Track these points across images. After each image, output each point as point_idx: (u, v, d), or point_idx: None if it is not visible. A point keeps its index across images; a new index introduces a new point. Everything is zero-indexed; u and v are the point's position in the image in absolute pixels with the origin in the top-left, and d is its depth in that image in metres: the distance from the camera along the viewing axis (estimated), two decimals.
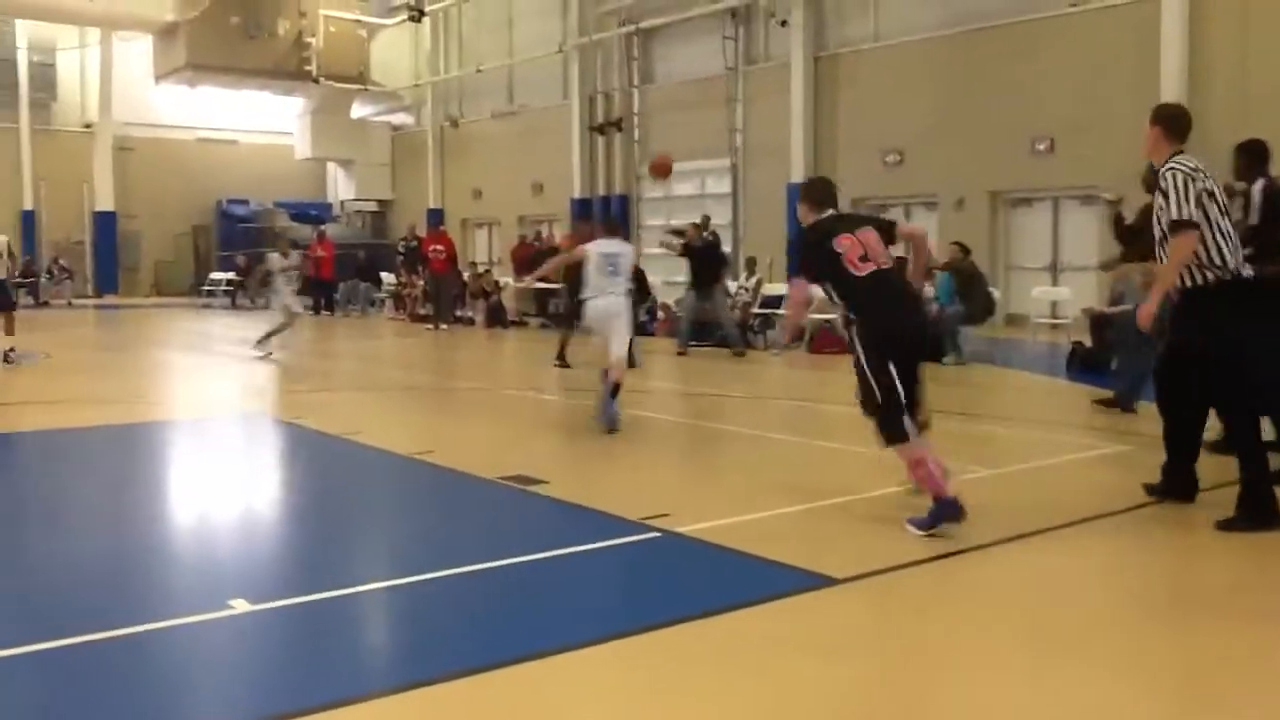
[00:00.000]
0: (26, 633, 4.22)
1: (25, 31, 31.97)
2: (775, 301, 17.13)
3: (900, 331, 5.63)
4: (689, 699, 3.57)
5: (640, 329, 16.78)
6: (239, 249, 30.54)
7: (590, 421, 8.79)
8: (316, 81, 29.80)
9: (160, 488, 7.50)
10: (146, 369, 15.37)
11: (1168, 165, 5.60)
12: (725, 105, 23.21)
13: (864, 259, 5.57)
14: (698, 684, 3.68)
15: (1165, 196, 5.52)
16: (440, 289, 20.54)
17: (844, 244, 5.59)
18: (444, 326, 20.08)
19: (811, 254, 5.80)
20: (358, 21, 30.38)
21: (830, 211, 5.89)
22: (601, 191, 25.67)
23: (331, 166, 34.40)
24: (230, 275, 29.77)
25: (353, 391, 12.14)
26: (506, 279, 22.58)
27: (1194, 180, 5.47)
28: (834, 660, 3.90)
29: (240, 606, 4.44)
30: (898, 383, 5.42)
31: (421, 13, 28.41)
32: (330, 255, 24.09)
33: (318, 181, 35.57)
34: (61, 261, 31.48)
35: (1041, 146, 18.64)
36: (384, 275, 26.12)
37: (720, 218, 23.08)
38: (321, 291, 24.39)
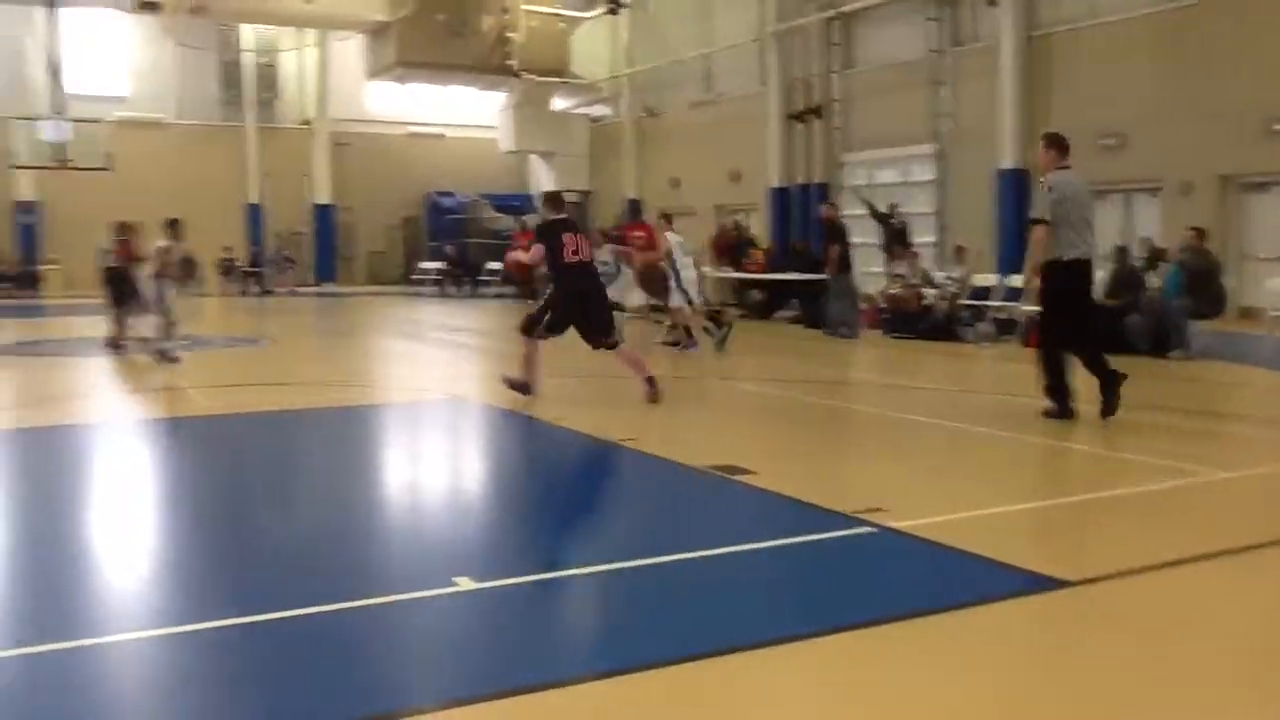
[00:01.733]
0: (258, 603, 4.43)
1: (251, 35, 34.02)
2: (984, 293, 16.56)
3: None
4: (894, 701, 3.44)
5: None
6: (447, 240, 31.68)
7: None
8: (518, 76, 30.53)
9: (380, 468, 7.80)
10: (361, 354, 16.07)
11: None
12: (929, 89, 22.54)
13: None
14: (905, 686, 3.53)
15: None
16: (643, 278, 20.66)
17: None
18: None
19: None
20: (557, 15, 30.96)
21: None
22: (800, 180, 25.36)
23: (533, 158, 35.23)
24: (439, 265, 30.90)
25: (554, 378, 12.34)
26: (705, 268, 22.53)
27: None
28: (1057, 671, 3.68)
29: (464, 584, 4.55)
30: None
31: (620, 4, 28.70)
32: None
33: (520, 173, 36.51)
34: (285, 252, 33.45)
35: (1279, 126, 17.31)
36: None
37: (924, 205, 22.45)
38: (524, 282, 24.92)
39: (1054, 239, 8.10)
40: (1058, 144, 8.49)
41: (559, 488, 6.94)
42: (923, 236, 21.03)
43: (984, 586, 4.51)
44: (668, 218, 15.46)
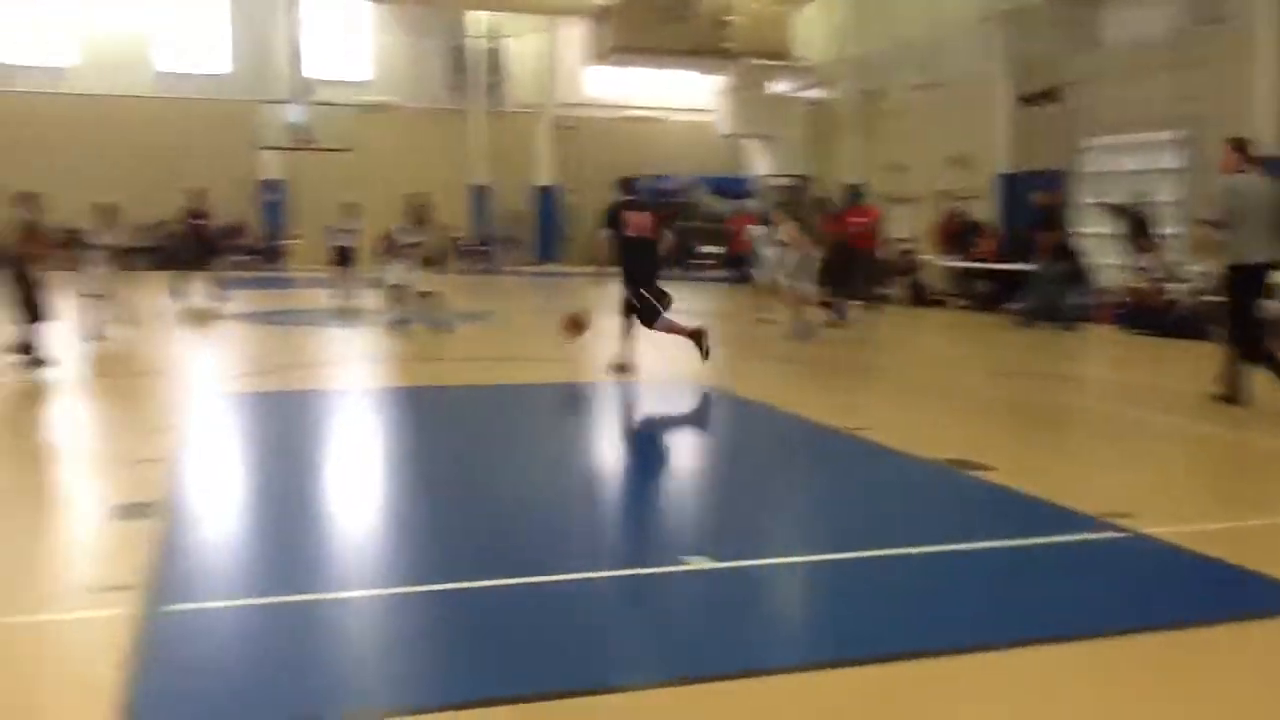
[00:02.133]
0: (496, 568, 4.59)
1: (481, 21, 35.19)
2: None
3: None
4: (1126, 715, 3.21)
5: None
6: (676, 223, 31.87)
7: None
8: (736, 59, 30.41)
9: (607, 444, 7.93)
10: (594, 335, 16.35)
11: None
12: (1176, 71, 21.12)
13: None
14: (1140, 703, 3.33)
15: None
16: (858, 264, 20.29)
17: None
18: (858, 302, 19.86)
19: None
20: None
21: None
22: (1033, 166, 24.27)
23: (750, 142, 35.08)
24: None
25: (777, 362, 12.25)
26: (927, 256, 21.93)
27: None
28: None
29: (692, 564, 4.57)
30: None
31: None
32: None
33: (738, 157, 36.44)
34: (510, 232, 34.55)
35: None
36: None
37: (1170, 195, 21.11)
38: (740, 265, 24.92)
39: (1235, 241, 8.40)
40: (1241, 147, 8.76)
41: (788, 473, 6.88)
42: (1169, 228, 19.78)
43: (1243, 601, 4.19)
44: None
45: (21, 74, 31.55)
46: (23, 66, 31.58)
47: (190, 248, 18.22)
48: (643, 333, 10.70)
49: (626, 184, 11.79)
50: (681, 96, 35.99)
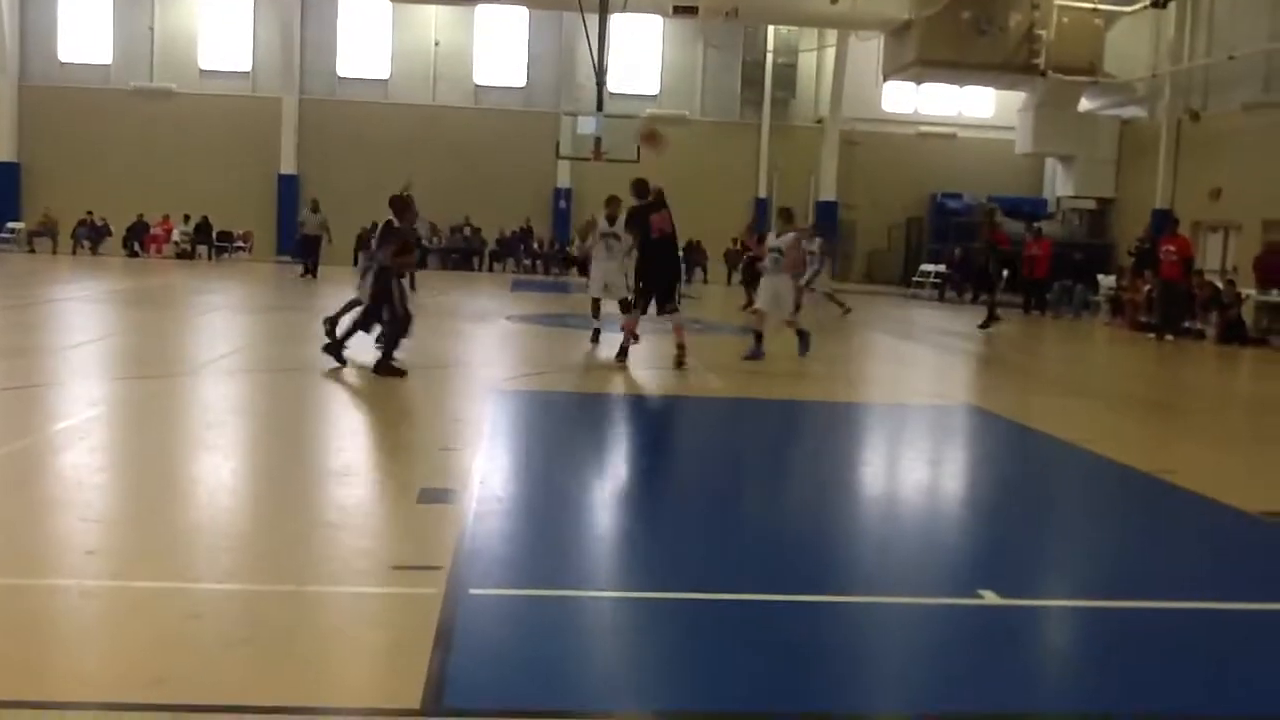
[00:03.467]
0: (777, 584, 4.56)
1: (773, 35, 35.29)
2: None
3: None
4: None
5: None
6: (951, 243, 30.88)
7: None
8: (1044, 74, 29.03)
9: (890, 468, 7.68)
10: (859, 351, 16.07)
11: None
12: None
13: None
14: None
15: None
16: (1170, 296, 18.90)
17: None
18: (1169, 337, 18.50)
19: None
20: (1093, 10, 29.02)
21: None
22: None
23: (1050, 162, 33.44)
24: (940, 268, 30.22)
25: (1067, 396, 11.59)
26: (1249, 290, 20.13)
27: None
28: None
29: (989, 598, 4.37)
30: None
31: None
32: (1045, 254, 23.37)
33: (1034, 177, 34.84)
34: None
35: None
36: (1100, 278, 24.74)
37: None
38: (1033, 290, 23.82)
39: None
40: None
41: (1082, 511, 6.45)
42: None
43: None
44: (786, 213, 13.14)
45: (349, 85, 34.34)
46: (351, 79, 34.36)
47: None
48: (677, 324, 11.32)
49: (642, 186, 11.56)
50: (977, 113, 34.85)
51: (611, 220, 12.79)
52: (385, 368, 9.75)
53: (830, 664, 3.75)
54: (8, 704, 3.09)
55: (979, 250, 18.71)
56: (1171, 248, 18.96)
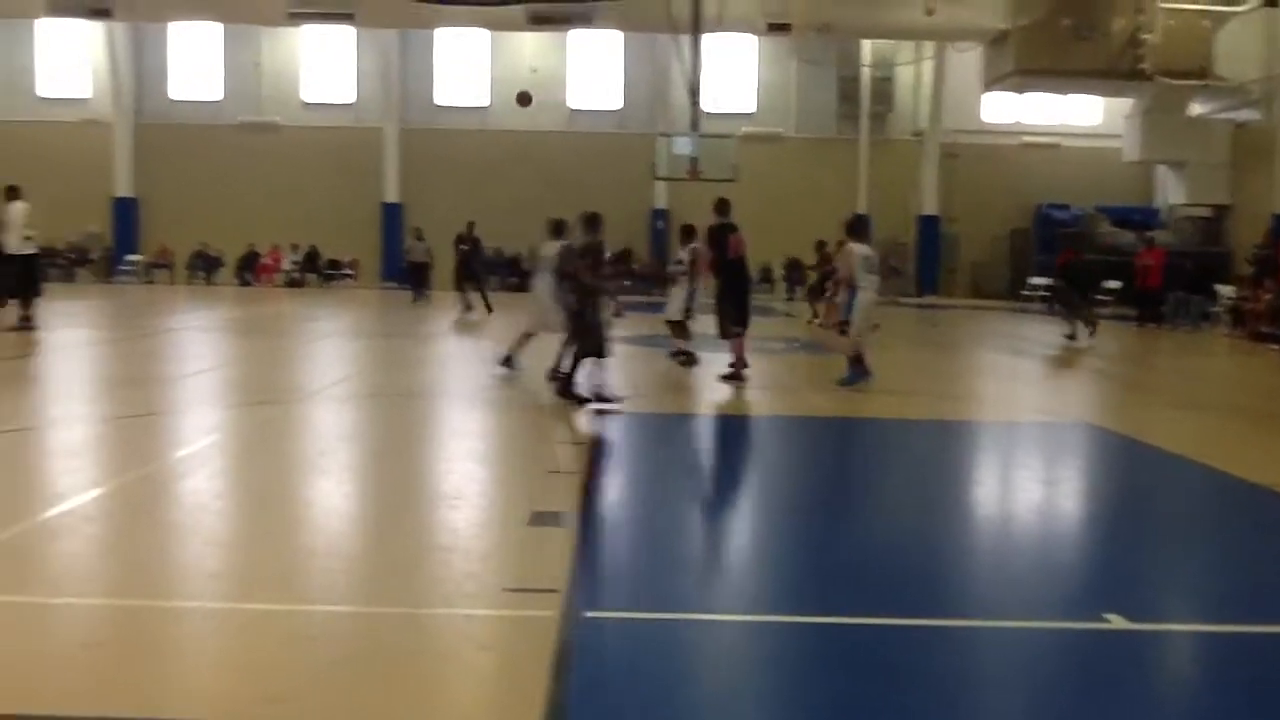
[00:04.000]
0: (896, 607, 4.45)
1: (869, 50, 34.97)
2: None
3: None
4: None
5: None
6: (1058, 254, 30.06)
7: None
8: (1150, 79, 28.19)
9: (1006, 486, 7.50)
10: (967, 367, 15.76)
11: None
12: None
13: None
14: None
15: None
16: None
17: None
18: None
19: None
20: (1202, 12, 28.11)
21: None
22: None
23: (1160, 169, 32.46)
24: (1048, 280, 29.40)
25: (1186, 410, 11.17)
26: None
27: None
28: None
29: (1115, 622, 4.22)
30: None
31: None
32: (1158, 263, 22.67)
33: (1143, 185, 33.84)
34: (891, 262, 33.93)
35: None
36: (1218, 287, 23.87)
37: None
38: (1147, 302, 23.11)
39: None
40: None
41: (1211, 533, 6.18)
42: None
43: None
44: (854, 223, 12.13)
45: (447, 114, 34.99)
46: (448, 107, 35.02)
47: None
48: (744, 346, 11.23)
49: (724, 205, 11.63)
50: (1081, 121, 34.05)
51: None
52: (566, 392, 9.49)
53: (952, 690, 3.66)
54: None
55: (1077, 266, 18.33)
56: None
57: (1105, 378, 14.37)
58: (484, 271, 23.81)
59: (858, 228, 11.68)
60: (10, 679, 3.45)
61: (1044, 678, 3.87)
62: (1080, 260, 19.53)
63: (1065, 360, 15.74)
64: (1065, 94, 32.16)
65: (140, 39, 34.42)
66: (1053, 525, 6.31)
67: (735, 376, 11.12)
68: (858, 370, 11.02)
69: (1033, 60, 28.29)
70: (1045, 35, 27.74)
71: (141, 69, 34.72)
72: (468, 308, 20.53)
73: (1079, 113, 34.34)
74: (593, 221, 9.83)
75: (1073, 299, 18.32)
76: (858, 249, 11.09)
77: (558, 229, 10.84)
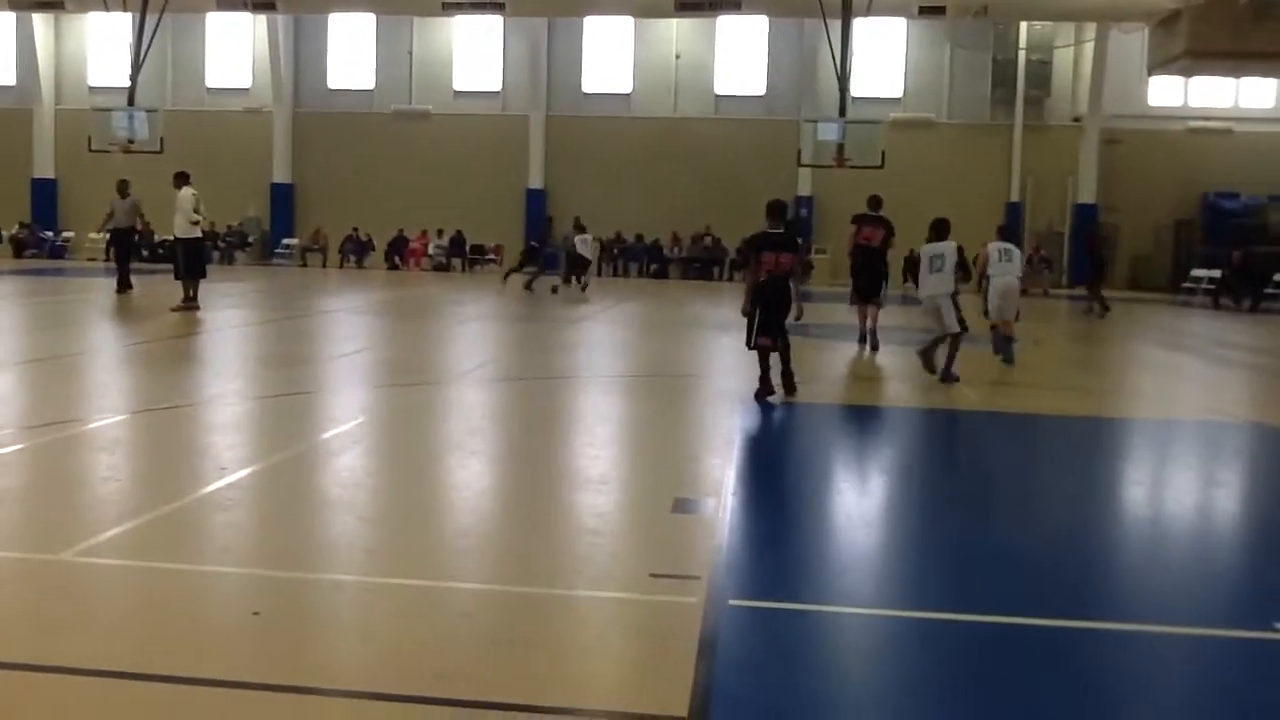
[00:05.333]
0: (1045, 608, 4.30)
1: (1026, 33, 33.78)
2: None
3: None
4: None
5: None
6: (1226, 245, 28.57)
7: None
8: None
9: (1162, 489, 7.15)
10: (1126, 362, 15.13)
11: None
12: None
13: None
14: None
15: None
16: None
17: None
18: None
19: None
20: None
21: None
22: None
23: None
24: (1215, 273, 27.98)
25: None
26: None
27: None
28: None
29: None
30: None
31: None
32: None
33: None
34: (1042, 251, 32.83)
35: None
36: None
37: None
38: None
39: None
40: None
41: None
42: None
43: None
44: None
45: (594, 101, 35.26)
46: (595, 94, 35.27)
47: None
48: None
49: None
50: (1256, 105, 32.24)
51: None
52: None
53: (1108, 696, 3.51)
54: (301, 689, 3.26)
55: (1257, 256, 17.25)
56: None
57: (1261, 373, 13.61)
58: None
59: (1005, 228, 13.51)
60: (182, 646, 3.58)
61: (1208, 686, 3.70)
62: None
63: (1229, 357, 14.91)
64: (1240, 76, 30.50)
65: (299, 30, 35.70)
66: (1220, 530, 6.00)
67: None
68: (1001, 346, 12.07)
69: (1207, 41, 26.86)
70: (1221, 14, 26.29)
71: (300, 59, 36.02)
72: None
73: (1252, 95, 32.51)
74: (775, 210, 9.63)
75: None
76: (992, 245, 12.35)
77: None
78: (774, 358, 9.22)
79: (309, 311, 18.58)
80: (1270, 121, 31.89)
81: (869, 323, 13.40)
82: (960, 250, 11.13)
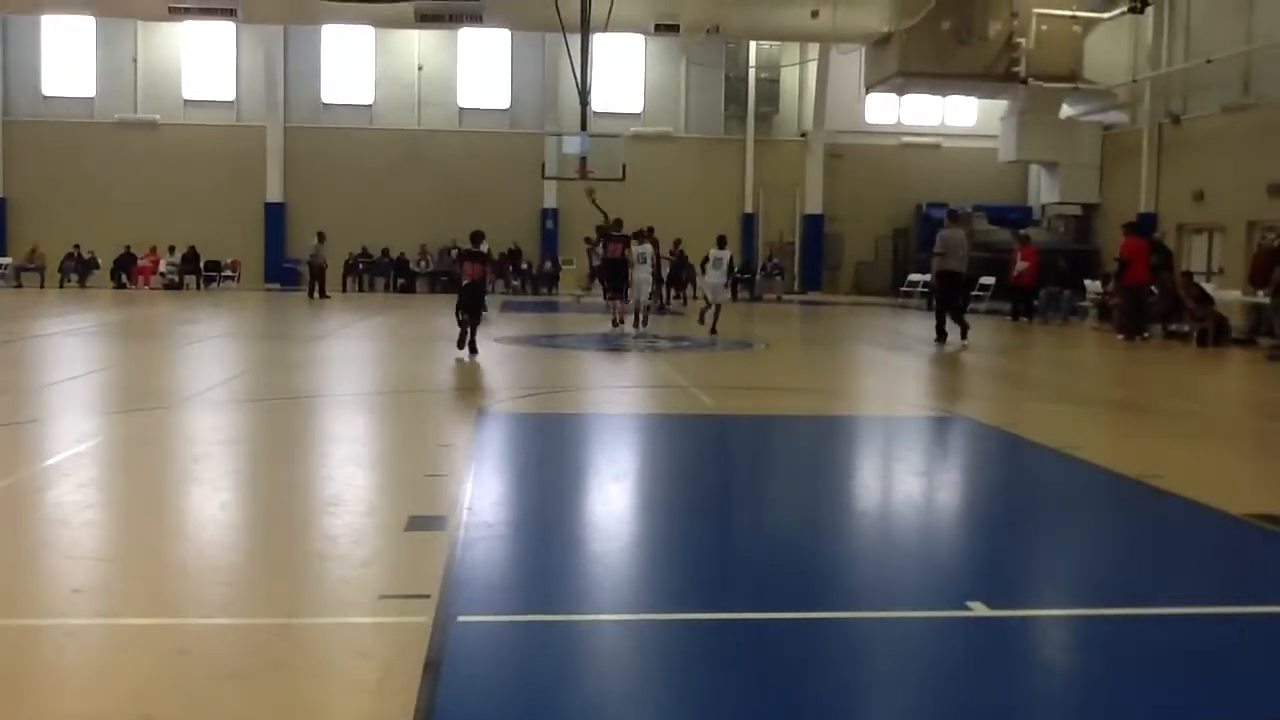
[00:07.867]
0: (773, 601, 4.58)
1: (755, 52, 35.48)
2: None
3: None
4: None
5: None
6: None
7: None
8: (1024, 82, 29.18)
9: (877, 479, 7.69)
10: (848, 362, 16.10)
11: None
12: None
13: None
14: None
15: None
16: (1138, 299, 19.27)
17: None
18: (1144, 337, 18.85)
19: None
20: (1072, 18, 29.19)
21: None
22: None
23: (1034, 169, 33.65)
24: (928, 277, 30.17)
25: (1054, 403, 11.61)
26: (1232, 291, 20.24)
27: None
28: None
29: (978, 610, 4.39)
30: None
31: (1145, 3, 26.52)
32: (1033, 262, 23.51)
33: (1018, 184, 35.03)
34: (775, 260, 34.52)
35: None
36: (1087, 283, 24.84)
37: None
38: (1021, 298, 23.94)
39: None
40: None
41: (1070, 519, 6.45)
42: None
43: None
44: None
45: (334, 112, 34.40)
46: (335, 105, 34.43)
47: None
48: None
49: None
50: (959, 123, 35.14)
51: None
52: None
53: (820, 682, 3.74)
54: None
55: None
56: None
57: (979, 372, 14.83)
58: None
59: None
60: None
61: (909, 666, 3.97)
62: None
63: (940, 356, 16.16)
64: (945, 95, 33.13)
65: (8, 32, 33.15)
66: (922, 517, 6.47)
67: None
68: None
69: (914, 63, 29.03)
70: (926, 38, 28.49)
71: (9, 63, 33.44)
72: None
73: (956, 114, 35.44)
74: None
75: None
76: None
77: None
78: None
79: (25, 335, 17.27)
80: (972, 137, 34.77)
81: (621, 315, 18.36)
82: (732, 258, 19.45)
